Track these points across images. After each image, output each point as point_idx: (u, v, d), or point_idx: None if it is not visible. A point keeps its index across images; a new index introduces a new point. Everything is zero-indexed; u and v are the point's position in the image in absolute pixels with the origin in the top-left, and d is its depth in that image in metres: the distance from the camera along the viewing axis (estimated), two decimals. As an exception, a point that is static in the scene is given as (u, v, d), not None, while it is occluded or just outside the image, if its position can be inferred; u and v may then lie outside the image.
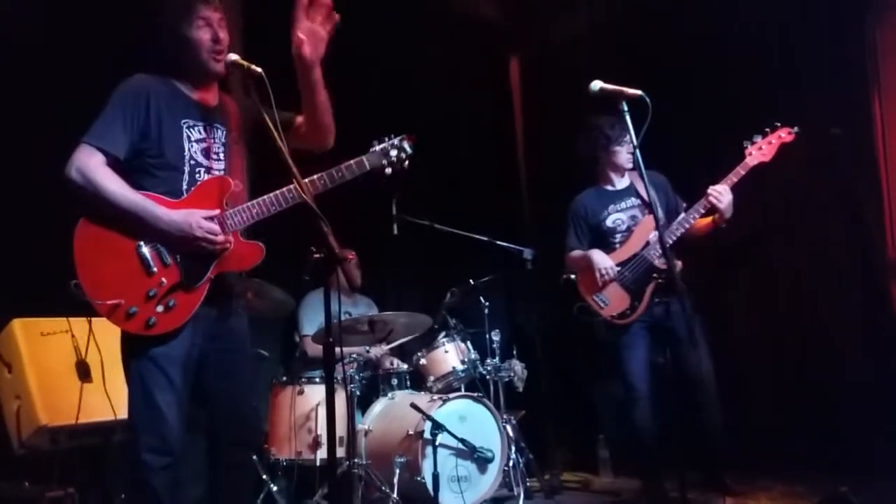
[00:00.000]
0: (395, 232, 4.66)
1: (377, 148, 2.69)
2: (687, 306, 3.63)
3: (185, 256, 2.42)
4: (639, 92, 2.76)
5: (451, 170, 5.41)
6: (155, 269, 2.39)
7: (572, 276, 4.88)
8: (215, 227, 2.42)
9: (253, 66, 2.41)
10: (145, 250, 2.39)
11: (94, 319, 3.49)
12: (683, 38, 4.81)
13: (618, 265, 3.89)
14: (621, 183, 4.05)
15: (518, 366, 4.33)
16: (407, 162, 2.72)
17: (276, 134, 2.30)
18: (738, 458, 3.97)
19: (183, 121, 2.51)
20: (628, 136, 3.82)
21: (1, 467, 3.20)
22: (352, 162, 2.64)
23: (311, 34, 2.41)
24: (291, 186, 2.48)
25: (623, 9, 5.23)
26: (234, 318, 2.60)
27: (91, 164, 2.36)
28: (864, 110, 4.13)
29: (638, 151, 2.78)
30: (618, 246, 3.91)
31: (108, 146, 2.39)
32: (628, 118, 2.77)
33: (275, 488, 3.84)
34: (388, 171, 2.69)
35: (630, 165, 3.96)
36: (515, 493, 3.96)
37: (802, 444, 4.19)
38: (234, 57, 2.49)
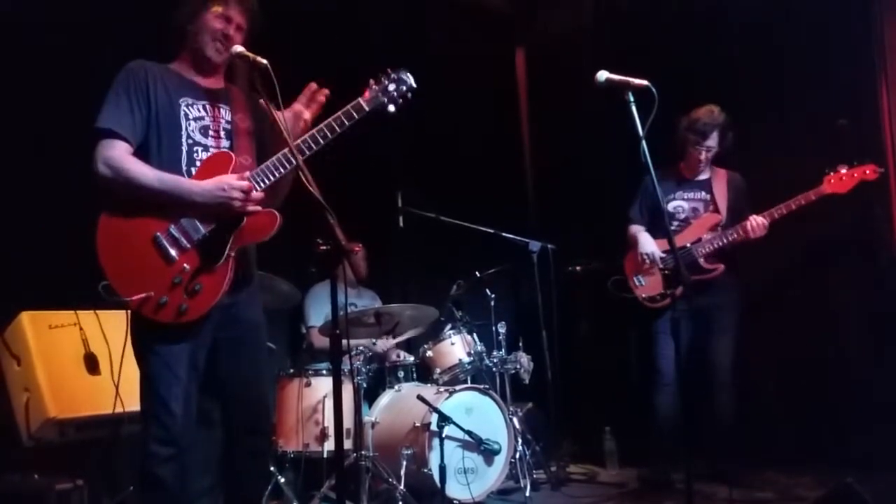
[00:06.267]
0: (401, 224, 4.67)
1: (375, 86, 2.61)
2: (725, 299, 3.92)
3: (202, 238, 2.41)
4: (645, 82, 2.73)
5: (456, 162, 5.40)
6: (175, 257, 2.39)
7: (577, 268, 4.89)
8: (247, 184, 2.42)
9: (258, 58, 2.42)
10: (162, 240, 2.39)
11: (101, 312, 3.50)
12: (689, 28, 4.79)
13: (664, 252, 3.97)
14: (700, 175, 4.10)
15: (524, 358, 4.33)
16: (410, 94, 2.62)
17: (281, 125, 2.31)
18: (743, 450, 3.98)
19: (181, 98, 2.52)
20: (710, 141, 3.93)
21: (10, 459, 3.22)
22: (349, 107, 2.57)
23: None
24: (298, 141, 2.46)
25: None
26: (243, 307, 2.58)
27: (116, 155, 2.39)
28: (872, 101, 4.11)
29: (644, 143, 2.75)
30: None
31: (126, 132, 2.42)
32: (634, 109, 2.74)
33: (282, 480, 3.85)
34: (392, 108, 2.60)
35: (705, 166, 4.06)
36: (522, 484, 3.97)
37: (807, 437, 4.19)
38: (239, 49, 2.50)
